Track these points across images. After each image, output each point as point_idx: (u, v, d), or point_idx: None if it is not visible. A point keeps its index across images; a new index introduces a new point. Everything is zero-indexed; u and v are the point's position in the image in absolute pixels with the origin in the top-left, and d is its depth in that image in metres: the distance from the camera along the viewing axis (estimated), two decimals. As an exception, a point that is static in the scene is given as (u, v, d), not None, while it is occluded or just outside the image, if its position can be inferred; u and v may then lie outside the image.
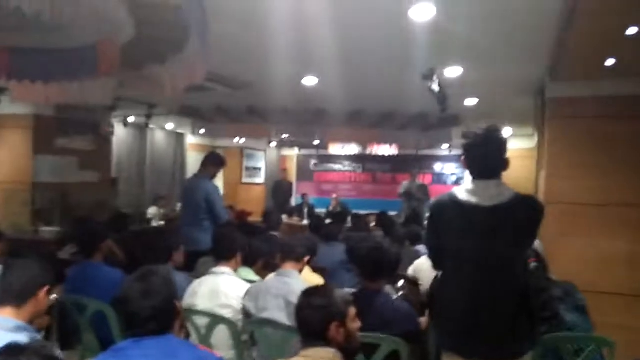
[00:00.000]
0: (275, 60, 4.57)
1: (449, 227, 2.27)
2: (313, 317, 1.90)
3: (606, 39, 3.40)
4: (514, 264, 2.20)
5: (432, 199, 2.41)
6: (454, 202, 2.24)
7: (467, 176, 2.34)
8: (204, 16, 2.80)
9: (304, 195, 11.26)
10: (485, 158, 2.23)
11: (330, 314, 1.90)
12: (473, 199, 2.19)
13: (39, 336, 1.96)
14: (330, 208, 10.43)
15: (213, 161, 5.24)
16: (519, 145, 9.24)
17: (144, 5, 2.76)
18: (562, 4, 3.02)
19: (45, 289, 2.05)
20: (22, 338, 1.78)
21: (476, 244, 2.18)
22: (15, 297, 1.96)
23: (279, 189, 11.63)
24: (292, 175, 14.12)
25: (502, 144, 2.27)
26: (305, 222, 9.40)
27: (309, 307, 1.93)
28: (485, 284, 2.16)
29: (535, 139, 6.88)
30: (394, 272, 2.83)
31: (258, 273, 3.55)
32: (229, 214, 5.44)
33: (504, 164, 2.23)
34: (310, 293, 1.99)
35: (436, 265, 2.47)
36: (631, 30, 3.13)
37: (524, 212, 2.18)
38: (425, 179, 12.26)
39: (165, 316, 1.83)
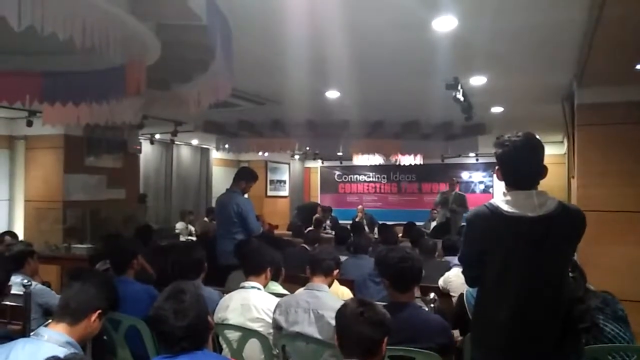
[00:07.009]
0: (298, 75, 4.61)
1: (491, 241, 2.11)
2: (372, 332, 1.90)
3: (634, 45, 3.34)
4: (560, 276, 2.10)
5: (469, 212, 2.23)
6: (495, 214, 2.08)
7: (498, 185, 2.26)
8: (229, 34, 2.84)
9: (323, 207, 10.88)
10: (524, 167, 2.12)
11: (387, 330, 1.93)
12: (516, 210, 2.05)
13: (83, 353, 2.02)
14: (357, 219, 10.20)
15: (244, 176, 5.29)
16: (548, 151, 8.90)
17: (170, 26, 2.82)
18: (588, 12, 2.97)
19: (98, 312, 2.12)
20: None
21: (522, 257, 2.05)
22: (70, 315, 2.06)
23: (303, 211, 11.26)
24: (316, 187, 14.08)
25: (540, 151, 2.16)
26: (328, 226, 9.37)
27: (366, 322, 1.91)
28: (532, 298, 2.05)
29: (565, 145, 6.75)
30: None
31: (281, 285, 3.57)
32: (262, 226, 5.44)
33: (542, 171, 2.14)
34: (364, 308, 1.96)
35: (472, 281, 2.35)
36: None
37: (571, 222, 2.07)
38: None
39: (198, 333, 1.86)
